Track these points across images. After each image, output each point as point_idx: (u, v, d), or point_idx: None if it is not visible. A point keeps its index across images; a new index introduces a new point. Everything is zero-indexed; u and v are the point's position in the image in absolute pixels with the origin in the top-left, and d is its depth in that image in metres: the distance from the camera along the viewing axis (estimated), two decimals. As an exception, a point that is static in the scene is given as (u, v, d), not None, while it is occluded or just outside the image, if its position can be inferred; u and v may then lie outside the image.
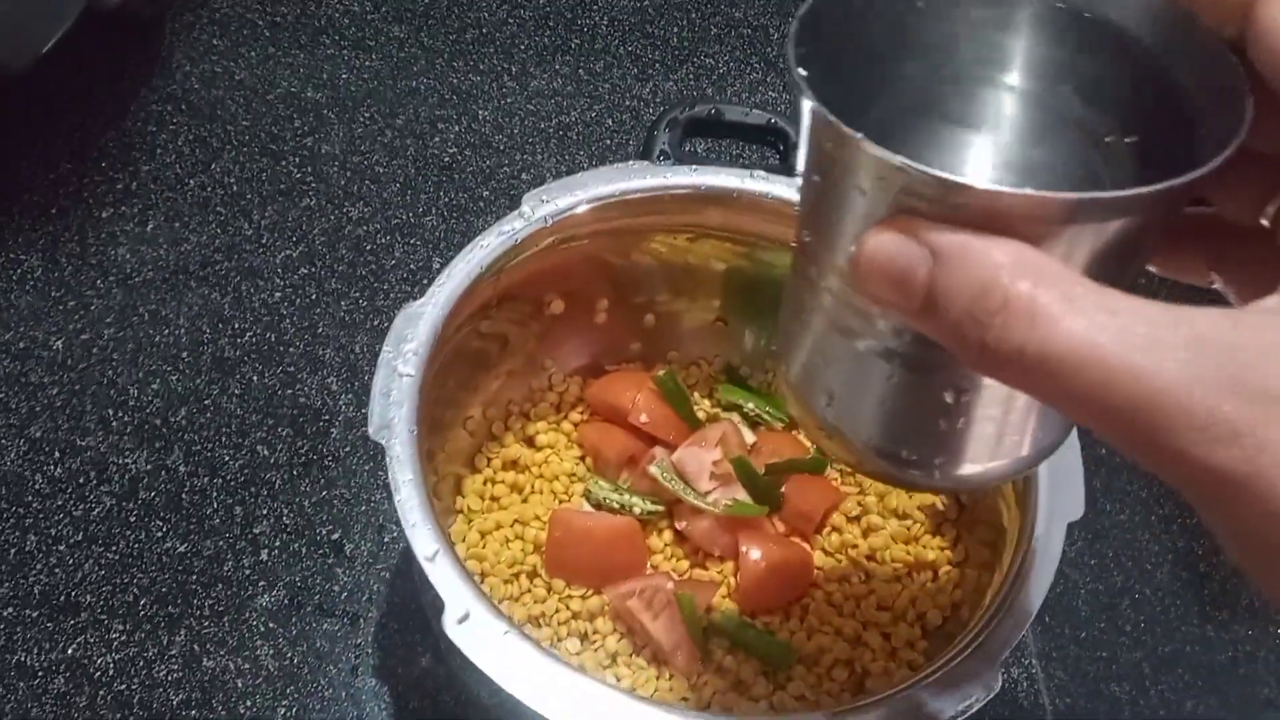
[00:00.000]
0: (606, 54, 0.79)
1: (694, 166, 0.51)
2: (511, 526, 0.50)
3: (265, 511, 0.56)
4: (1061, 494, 0.44)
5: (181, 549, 0.54)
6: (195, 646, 0.52)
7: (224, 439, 0.58)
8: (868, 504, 0.52)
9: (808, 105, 0.26)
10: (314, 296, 0.64)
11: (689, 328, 0.57)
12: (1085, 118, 0.30)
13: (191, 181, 0.69)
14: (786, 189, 0.50)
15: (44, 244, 0.65)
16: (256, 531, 0.55)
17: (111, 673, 0.51)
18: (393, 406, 0.43)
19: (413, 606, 0.53)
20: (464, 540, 0.50)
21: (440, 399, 0.48)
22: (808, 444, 0.54)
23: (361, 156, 0.71)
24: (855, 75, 0.29)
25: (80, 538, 0.54)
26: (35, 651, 0.51)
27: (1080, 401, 0.23)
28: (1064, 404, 0.24)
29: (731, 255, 0.54)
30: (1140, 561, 0.59)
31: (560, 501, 0.52)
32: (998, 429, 0.30)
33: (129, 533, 0.55)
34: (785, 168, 0.58)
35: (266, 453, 0.58)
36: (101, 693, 0.50)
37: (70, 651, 0.51)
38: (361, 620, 0.53)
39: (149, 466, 0.57)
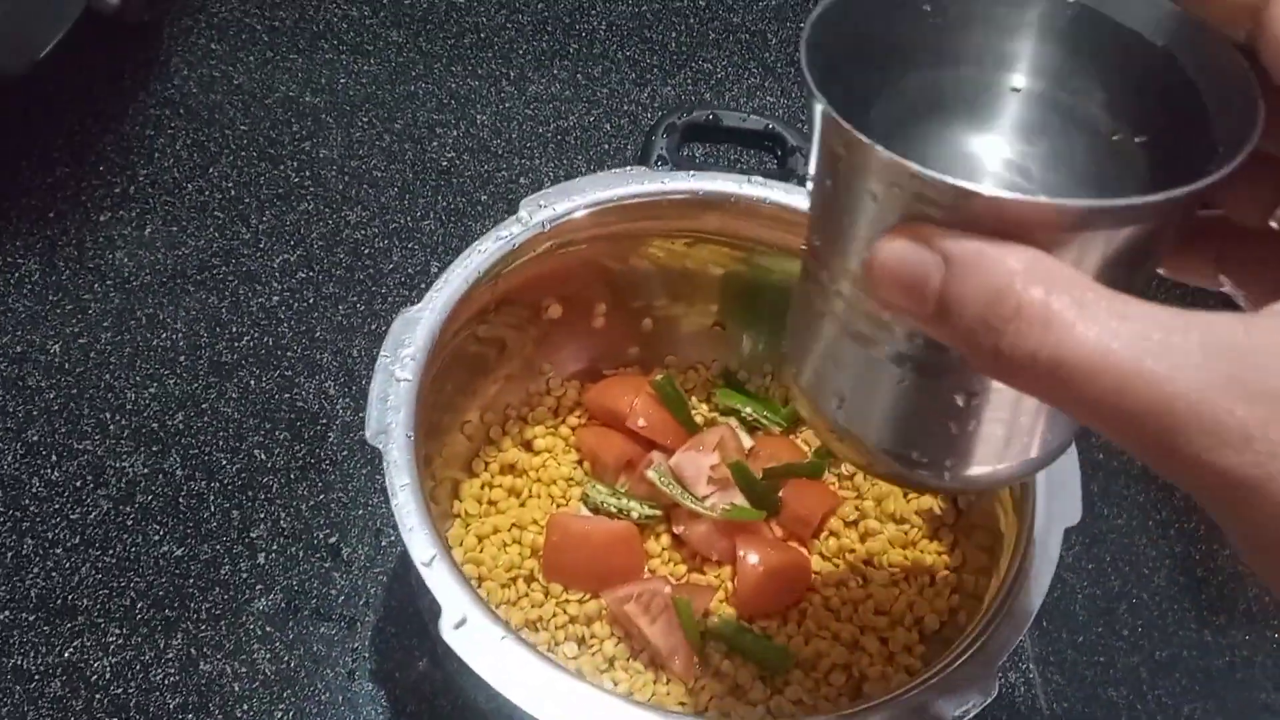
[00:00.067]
0: (604, 59, 0.79)
1: (692, 171, 0.51)
2: (509, 531, 0.50)
3: (262, 515, 0.56)
4: (1059, 499, 0.44)
5: (178, 553, 0.54)
6: (192, 650, 0.52)
7: (221, 443, 0.58)
8: (865, 509, 0.52)
9: (819, 109, 0.26)
10: (311, 301, 0.64)
11: (687, 332, 0.57)
12: (1093, 117, 0.30)
13: (189, 185, 0.69)
14: (784, 194, 0.51)
15: (42, 248, 0.65)
16: (253, 535, 0.55)
17: (108, 676, 0.51)
18: (390, 411, 0.43)
19: (410, 610, 0.53)
20: (461, 544, 0.50)
21: (438, 403, 0.48)
22: (805, 448, 0.55)
23: (359, 161, 0.71)
24: (858, 76, 0.29)
25: (77, 541, 0.54)
26: (32, 655, 0.51)
27: (1093, 407, 0.23)
28: (1076, 409, 0.24)
29: (729, 260, 0.54)
30: (1137, 566, 0.59)
31: (558, 506, 0.52)
32: (1007, 431, 0.30)
33: (126, 536, 0.55)
34: (783, 173, 0.58)
35: (264, 457, 0.58)
36: (98, 696, 0.50)
37: (67, 655, 0.51)
38: (358, 624, 0.53)
39: (146, 470, 0.57)
